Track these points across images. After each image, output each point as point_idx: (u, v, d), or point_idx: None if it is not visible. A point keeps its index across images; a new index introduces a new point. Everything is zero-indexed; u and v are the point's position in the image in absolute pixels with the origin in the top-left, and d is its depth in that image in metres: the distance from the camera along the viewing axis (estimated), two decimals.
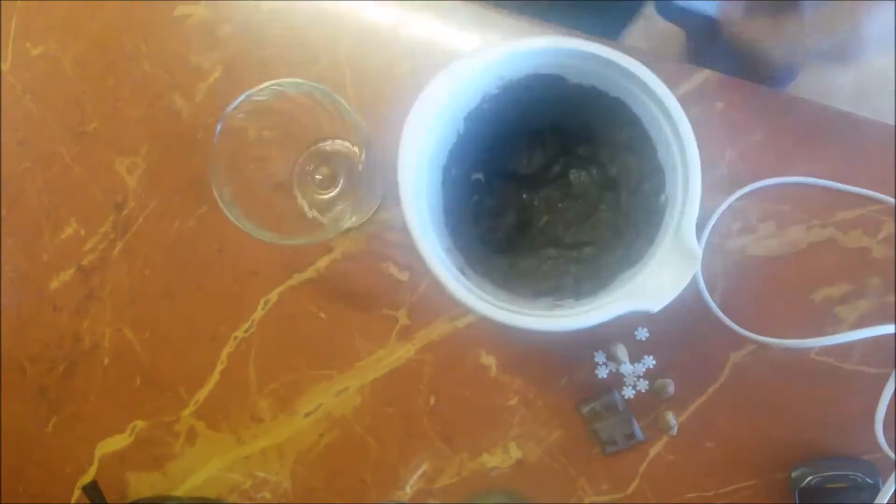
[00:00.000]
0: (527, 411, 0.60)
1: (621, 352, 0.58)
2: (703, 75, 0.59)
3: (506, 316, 0.46)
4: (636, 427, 0.58)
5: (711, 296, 0.57)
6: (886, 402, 0.53)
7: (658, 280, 0.46)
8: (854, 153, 0.58)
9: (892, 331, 0.51)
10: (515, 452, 0.60)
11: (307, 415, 0.62)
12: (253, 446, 0.63)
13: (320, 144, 0.60)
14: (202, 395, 0.64)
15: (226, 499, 0.63)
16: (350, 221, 0.54)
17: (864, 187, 0.57)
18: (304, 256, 0.62)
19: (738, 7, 0.56)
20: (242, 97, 0.53)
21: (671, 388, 0.58)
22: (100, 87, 0.66)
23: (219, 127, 0.54)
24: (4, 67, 0.68)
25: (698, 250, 0.45)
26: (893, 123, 0.58)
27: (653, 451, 0.59)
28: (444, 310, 0.61)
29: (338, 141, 0.60)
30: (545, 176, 0.59)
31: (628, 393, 0.59)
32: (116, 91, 0.66)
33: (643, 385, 0.59)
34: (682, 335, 0.59)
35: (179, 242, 0.64)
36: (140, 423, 0.64)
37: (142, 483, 0.64)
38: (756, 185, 0.58)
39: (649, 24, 0.88)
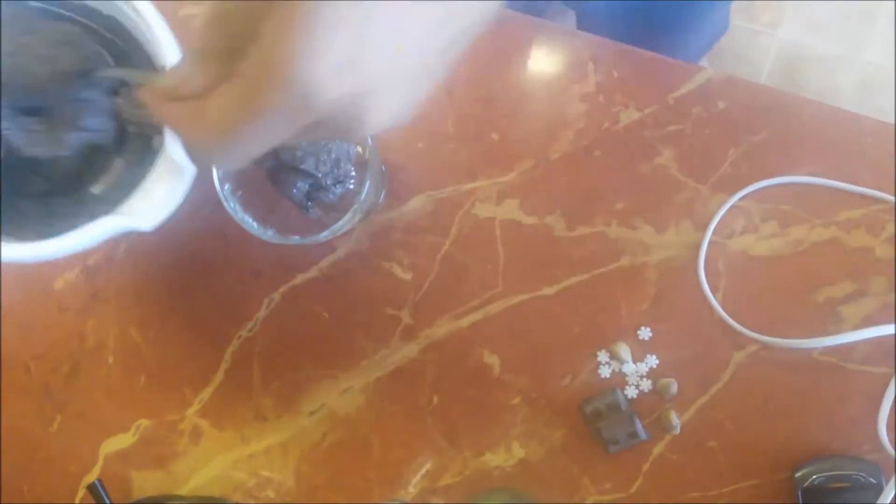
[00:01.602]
0: (530, 410, 0.60)
1: (624, 351, 0.59)
2: (705, 75, 0.59)
3: None
4: (639, 426, 0.58)
5: (714, 295, 0.58)
6: (889, 402, 0.53)
7: (149, 199, 0.47)
8: (857, 153, 0.58)
9: (893, 331, 0.51)
10: (518, 451, 0.60)
11: (311, 414, 0.63)
12: (257, 445, 0.63)
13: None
14: (206, 394, 0.64)
15: (230, 498, 0.63)
16: (353, 221, 0.54)
17: (866, 187, 0.57)
18: (308, 256, 0.63)
19: None
20: None
21: (674, 388, 0.58)
22: None
23: None
24: None
25: (189, 165, 0.46)
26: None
27: (656, 451, 0.59)
28: (448, 309, 0.61)
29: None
30: None
31: (631, 392, 0.59)
32: None
33: (646, 384, 0.59)
34: (684, 335, 0.59)
35: (184, 242, 0.64)
36: (144, 422, 0.64)
37: (146, 482, 0.64)
38: (759, 184, 0.58)
39: None
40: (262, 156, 0.54)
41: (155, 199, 0.47)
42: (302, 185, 0.54)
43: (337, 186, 0.55)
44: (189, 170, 0.47)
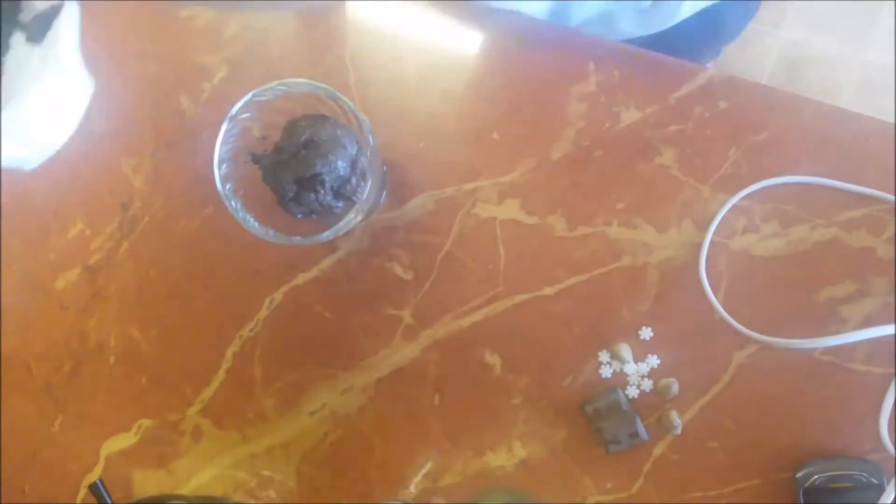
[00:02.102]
0: (531, 410, 0.60)
1: (625, 351, 0.59)
2: (706, 75, 0.59)
3: None
4: (640, 426, 0.58)
5: (715, 295, 0.57)
6: (891, 402, 0.53)
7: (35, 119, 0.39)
8: (858, 152, 0.58)
9: (894, 331, 0.51)
10: (520, 451, 0.60)
11: (312, 413, 0.63)
12: (258, 445, 0.63)
13: None
14: (208, 393, 0.64)
15: (231, 497, 0.64)
16: (354, 221, 0.54)
17: (868, 186, 0.57)
18: (309, 256, 0.63)
19: None
20: (247, 97, 0.53)
21: (675, 388, 0.58)
22: (106, 88, 0.66)
23: (224, 127, 0.54)
24: None
25: (88, 76, 0.37)
26: None
27: (657, 451, 0.59)
28: (449, 309, 0.61)
29: None
30: None
31: (632, 392, 0.59)
32: (123, 92, 0.66)
33: (647, 384, 0.59)
34: (685, 335, 0.59)
35: (185, 242, 0.64)
36: (146, 422, 0.65)
37: (147, 481, 0.65)
38: (760, 184, 0.58)
39: None
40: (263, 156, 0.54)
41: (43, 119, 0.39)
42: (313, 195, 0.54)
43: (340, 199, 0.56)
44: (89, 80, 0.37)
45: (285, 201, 0.55)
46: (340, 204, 0.55)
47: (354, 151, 0.55)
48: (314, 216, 0.56)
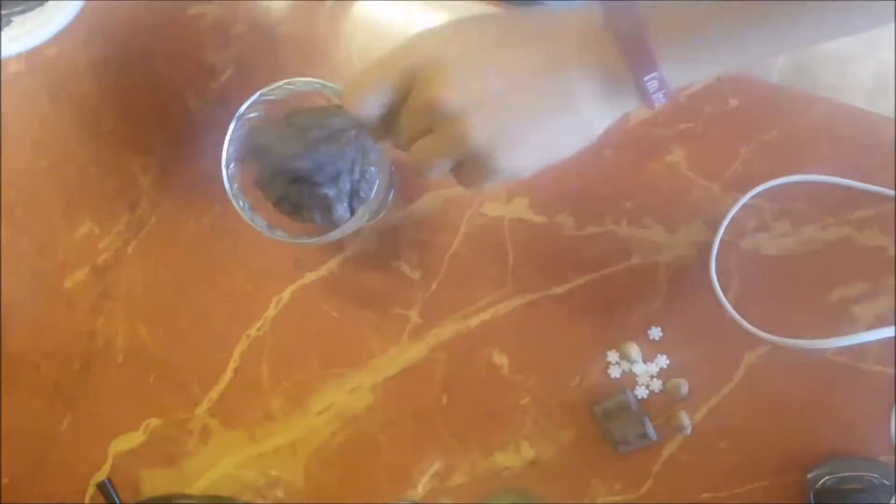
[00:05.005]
0: (539, 410, 0.60)
1: (634, 351, 0.58)
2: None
3: None
4: (649, 427, 0.58)
5: (725, 295, 0.57)
6: None
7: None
8: (870, 151, 0.57)
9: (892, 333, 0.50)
10: (528, 452, 0.60)
11: (320, 413, 0.63)
12: (266, 444, 0.63)
13: None
14: (216, 393, 0.64)
15: (239, 497, 0.64)
16: (362, 220, 0.54)
17: (879, 185, 0.57)
18: (317, 255, 0.63)
19: None
20: (255, 96, 0.53)
21: (685, 388, 0.58)
22: (114, 88, 0.66)
23: (232, 126, 0.54)
24: (20, 68, 0.68)
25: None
26: None
27: (666, 451, 0.59)
28: (457, 308, 0.61)
29: None
30: None
31: (641, 392, 0.59)
32: (130, 91, 0.66)
33: (656, 385, 0.58)
34: (695, 335, 0.58)
35: (193, 241, 0.64)
36: (154, 421, 0.65)
37: (155, 480, 0.65)
38: (771, 183, 0.58)
39: None
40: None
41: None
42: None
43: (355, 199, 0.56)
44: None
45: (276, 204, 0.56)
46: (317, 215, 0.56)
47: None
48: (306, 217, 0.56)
